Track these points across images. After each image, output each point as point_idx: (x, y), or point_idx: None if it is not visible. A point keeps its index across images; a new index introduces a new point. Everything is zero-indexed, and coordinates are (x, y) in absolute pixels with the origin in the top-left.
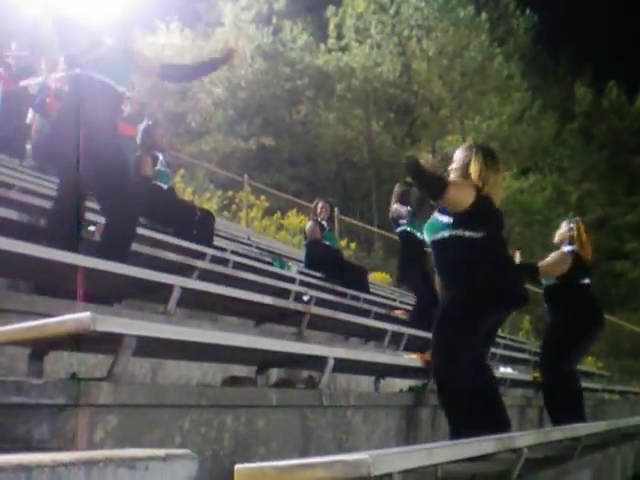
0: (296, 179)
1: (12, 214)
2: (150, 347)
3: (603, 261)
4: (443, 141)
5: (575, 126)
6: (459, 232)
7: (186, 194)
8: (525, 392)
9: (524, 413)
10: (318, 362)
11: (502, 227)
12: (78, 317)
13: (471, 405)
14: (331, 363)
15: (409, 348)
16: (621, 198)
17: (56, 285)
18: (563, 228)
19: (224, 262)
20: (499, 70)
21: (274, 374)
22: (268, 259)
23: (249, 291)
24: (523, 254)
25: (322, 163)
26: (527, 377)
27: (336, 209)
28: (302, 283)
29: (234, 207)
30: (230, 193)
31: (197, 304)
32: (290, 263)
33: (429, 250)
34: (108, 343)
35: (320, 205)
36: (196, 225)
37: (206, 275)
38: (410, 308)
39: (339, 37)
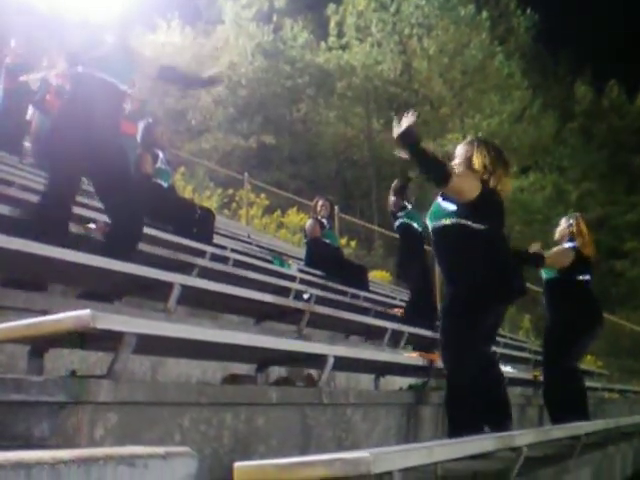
0: (296, 177)
1: (12, 211)
2: (150, 345)
3: (603, 260)
4: (443, 139)
5: (575, 125)
6: (462, 221)
7: (186, 192)
8: (525, 391)
9: (524, 412)
10: (318, 360)
11: (504, 223)
12: (78, 314)
13: (474, 404)
14: (331, 361)
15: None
16: (621, 197)
17: (55, 282)
18: (562, 225)
19: (224, 260)
20: (499, 69)
21: (274, 372)
22: (268, 257)
23: (249, 289)
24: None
25: (322, 161)
26: (527, 376)
27: (336, 207)
28: (302, 281)
29: (234, 205)
30: (230, 191)
31: (197, 302)
32: (290, 261)
33: (428, 247)
34: (108, 341)
35: (320, 203)
36: (196, 223)
37: (206, 273)
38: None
39: (340, 35)
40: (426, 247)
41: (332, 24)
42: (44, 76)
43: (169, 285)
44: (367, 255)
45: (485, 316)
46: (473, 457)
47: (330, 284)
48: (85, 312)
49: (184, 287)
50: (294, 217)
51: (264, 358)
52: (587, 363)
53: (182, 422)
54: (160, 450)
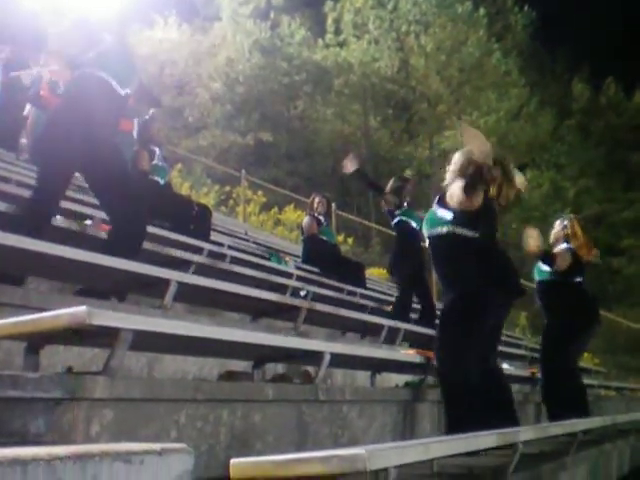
0: (293, 174)
1: (10, 208)
2: (146, 341)
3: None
4: (440, 137)
5: (573, 122)
6: (458, 229)
7: (183, 189)
8: (522, 388)
9: (521, 409)
10: (314, 357)
11: (497, 228)
12: (74, 311)
13: (471, 403)
14: (327, 358)
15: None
16: (618, 194)
17: (52, 279)
18: (557, 227)
19: (221, 257)
20: (497, 66)
21: (271, 369)
22: (265, 254)
23: (246, 286)
24: (520, 251)
25: (320, 158)
26: (524, 373)
27: (333, 204)
28: (299, 278)
29: (231, 202)
30: (227, 188)
31: (194, 299)
32: (287, 258)
33: (424, 245)
34: (104, 337)
35: (317, 200)
36: (193, 220)
37: (203, 270)
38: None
39: (337, 32)
40: (423, 244)
41: (329, 21)
42: (37, 72)
43: (166, 282)
44: (364, 252)
45: (483, 321)
46: (470, 454)
47: (327, 281)
48: (81, 309)
49: (181, 284)
50: (291, 214)
51: (261, 355)
52: (584, 360)
53: (178, 418)
54: (156, 446)
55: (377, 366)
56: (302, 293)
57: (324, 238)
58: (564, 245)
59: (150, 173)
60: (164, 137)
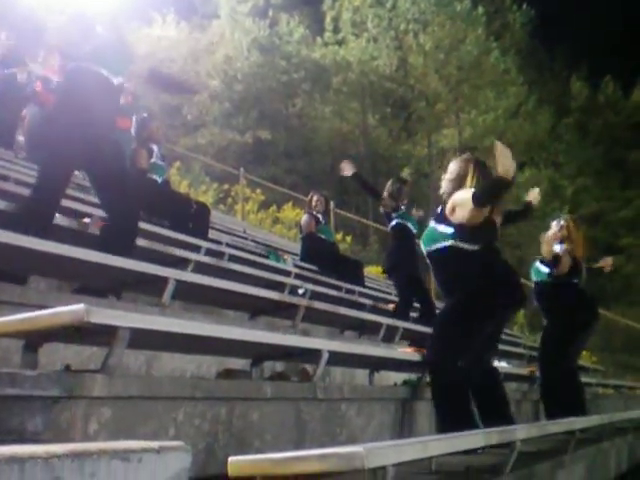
0: (292, 172)
1: (8, 206)
2: (144, 339)
3: (598, 256)
4: (439, 135)
5: (571, 121)
6: (458, 243)
7: (182, 187)
8: (520, 386)
9: (519, 407)
10: (312, 355)
11: (496, 238)
12: (72, 309)
13: (461, 402)
14: (325, 356)
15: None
16: (616, 193)
17: (50, 277)
18: (554, 228)
19: (219, 255)
20: (495, 64)
21: (269, 367)
22: (264, 252)
23: (244, 284)
24: (519, 249)
25: (318, 156)
26: (522, 371)
27: (332, 202)
28: (297, 276)
29: (230, 200)
30: (226, 186)
31: (192, 297)
32: (285, 256)
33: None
34: (102, 335)
35: (315, 198)
36: (192, 218)
37: (201, 268)
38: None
39: (336, 30)
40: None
41: (328, 19)
42: (31, 68)
43: (164, 280)
44: (362, 250)
45: (483, 323)
46: (467, 452)
47: (325, 279)
48: (79, 306)
49: (179, 282)
50: (290, 212)
51: (259, 353)
52: (582, 359)
53: (176, 417)
54: (154, 444)
55: (375, 364)
56: (300, 291)
57: (322, 236)
58: (561, 247)
59: (148, 171)
60: (162, 135)
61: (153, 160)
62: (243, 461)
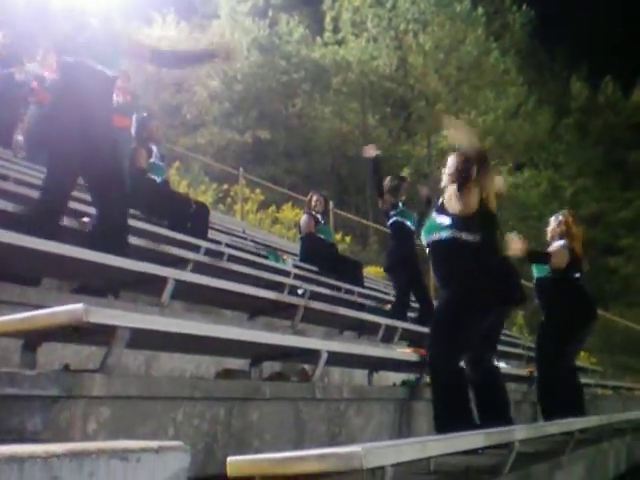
0: (291, 172)
1: (7, 206)
2: (143, 339)
3: (597, 257)
4: (438, 135)
5: (571, 121)
6: (457, 234)
7: (181, 187)
8: (519, 387)
9: (518, 408)
10: (312, 355)
11: (496, 230)
12: (71, 309)
13: (460, 401)
14: (324, 356)
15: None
16: (616, 194)
17: (49, 277)
18: (552, 224)
19: (219, 255)
20: (495, 65)
21: (268, 367)
22: (263, 252)
23: (243, 284)
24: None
25: (318, 156)
26: (521, 372)
27: (331, 203)
28: (297, 277)
29: (229, 200)
30: (225, 186)
31: (191, 297)
32: (285, 256)
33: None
34: (101, 335)
35: (314, 198)
36: (191, 218)
37: (200, 268)
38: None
39: (335, 30)
40: (418, 245)
41: (328, 19)
42: (29, 68)
43: (163, 280)
44: (362, 251)
45: (477, 319)
46: (466, 452)
47: (325, 279)
48: (78, 306)
49: (178, 282)
50: (289, 212)
51: (258, 353)
52: (581, 359)
53: (175, 416)
54: (153, 444)
55: (374, 364)
56: (300, 291)
57: (322, 236)
58: (560, 242)
59: (148, 171)
60: (162, 135)
61: (152, 160)
62: (242, 461)
